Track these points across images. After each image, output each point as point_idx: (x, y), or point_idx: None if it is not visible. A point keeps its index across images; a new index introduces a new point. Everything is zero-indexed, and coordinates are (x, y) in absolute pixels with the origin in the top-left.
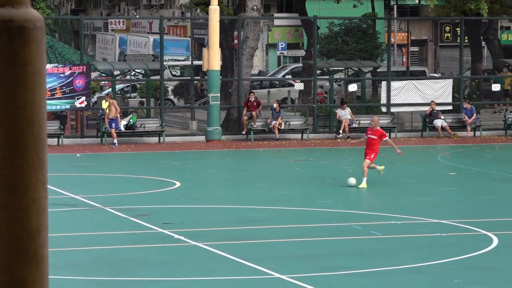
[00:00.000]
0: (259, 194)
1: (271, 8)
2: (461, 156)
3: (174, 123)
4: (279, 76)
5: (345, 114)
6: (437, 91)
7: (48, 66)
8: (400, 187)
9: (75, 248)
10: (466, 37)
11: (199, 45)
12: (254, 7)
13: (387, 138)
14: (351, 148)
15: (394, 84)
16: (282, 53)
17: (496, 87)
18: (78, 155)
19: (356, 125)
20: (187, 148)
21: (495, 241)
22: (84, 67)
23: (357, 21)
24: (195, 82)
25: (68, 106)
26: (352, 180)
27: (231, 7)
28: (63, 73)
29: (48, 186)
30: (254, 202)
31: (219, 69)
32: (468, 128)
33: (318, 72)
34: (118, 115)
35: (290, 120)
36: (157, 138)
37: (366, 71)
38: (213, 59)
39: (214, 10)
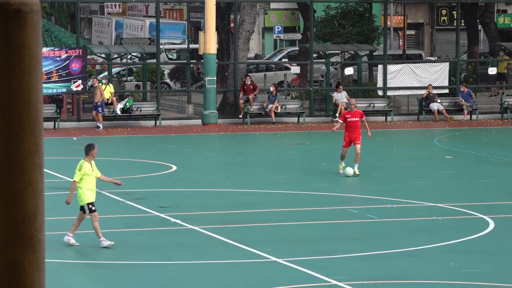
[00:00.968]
0: (255, 177)
1: None
2: (457, 140)
3: (170, 107)
4: (276, 59)
5: (341, 97)
6: (434, 74)
7: (44, 49)
8: (396, 171)
9: None
10: (462, 21)
11: (195, 29)
12: None
13: (364, 118)
14: None
15: (390, 68)
16: (278, 37)
17: (492, 71)
18: (74, 138)
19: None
20: (183, 131)
21: (491, 224)
22: (80, 50)
23: (353, 4)
24: (191, 65)
25: (64, 90)
26: (350, 170)
27: None
28: (59, 57)
29: (45, 170)
30: (250, 186)
31: (215, 52)
32: (465, 111)
33: (314, 55)
34: (114, 99)
35: (286, 104)
36: (153, 121)
37: (362, 54)
38: (209, 42)
39: None
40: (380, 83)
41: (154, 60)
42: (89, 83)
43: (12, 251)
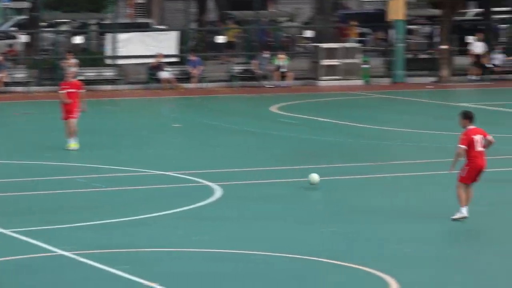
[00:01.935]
0: None
1: None
2: (186, 108)
3: None
4: (3, 28)
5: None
6: (162, 42)
7: None
8: (126, 139)
9: None
10: None
11: None
12: None
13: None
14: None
15: (119, 36)
16: (6, 5)
17: (221, 39)
18: None
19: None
20: None
21: (220, 191)
22: None
23: None
24: None
25: None
26: (315, 177)
27: None
28: None
29: None
30: None
31: None
32: (194, 79)
33: (43, 24)
34: None
35: (14, 73)
36: None
37: (92, 23)
38: None
39: None
40: (109, 52)
41: None
42: None
43: None
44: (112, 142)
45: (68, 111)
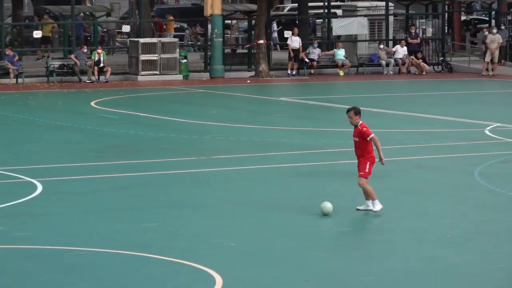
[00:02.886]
0: None
1: None
2: (4, 103)
3: None
4: None
5: None
6: None
7: None
8: None
9: None
10: None
11: None
12: None
13: None
14: None
15: None
16: None
17: (37, 34)
18: None
19: None
20: None
21: (40, 187)
22: None
23: None
24: None
25: None
26: (328, 206)
27: None
28: None
29: None
30: None
31: None
32: (11, 75)
33: None
34: None
35: None
36: None
37: None
38: None
39: None
40: None
41: None
42: None
43: None
44: None
45: None
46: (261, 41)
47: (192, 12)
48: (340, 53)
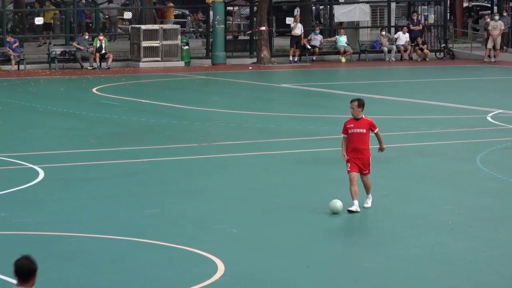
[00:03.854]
0: None
1: None
2: (5, 90)
3: None
4: None
5: None
6: None
7: None
8: None
9: None
10: None
11: None
12: None
13: None
14: None
15: None
16: None
17: (39, 21)
18: None
19: None
20: None
21: (42, 174)
22: None
23: None
24: None
25: None
26: (338, 204)
27: None
28: None
29: None
30: None
31: None
32: (13, 61)
33: None
34: None
35: None
36: None
37: None
38: None
39: None
40: None
41: None
42: None
43: None
44: None
45: None
46: (263, 28)
47: None
48: (342, 40)
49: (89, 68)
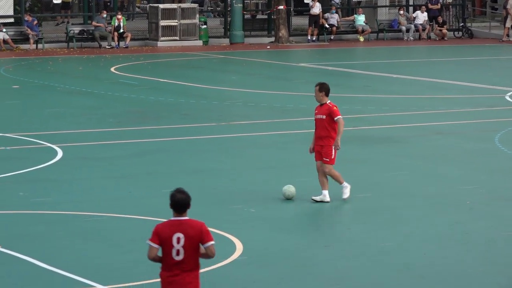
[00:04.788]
0: None
1: None
2: (24, 69)
3: None
4: None
5: None
6: None
7: None
8: None
9: None
10: None
11: None
12: None
13: None
14: None
15: None
16: None
17: (58, 0)
18: None
19: None
20: None
21: (60, 153)
22: None
23: None
24: None
25: None
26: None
27: None
28: None
29: None
30: None
31: None
32: (31, 40)
33: None
34: None
35: None
36: None
37: None
38: None
39: None
40: None
41: None
42: None
43: None
44: None
45: None
46: (281, 7)
47: None
48: (360, 19)
49: (107, 47)
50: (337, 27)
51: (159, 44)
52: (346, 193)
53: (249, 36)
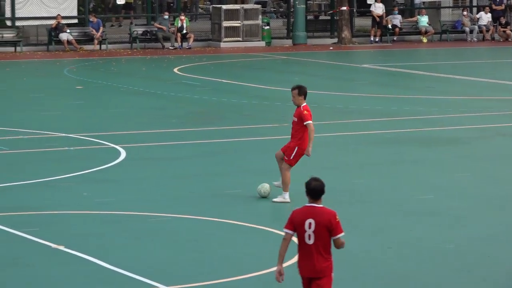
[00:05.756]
0: None
1: None
2: (87, 70)
3: None
4: None
5: None
6: (62, 4)
7: None
8: (26, 101)
9: None
10: None
11: None
12: None
13: None
14: None
15: None
16: None
17: (120, 0)
18: None
19: None
20: None
21: (123, 153)
22: None
23: None
24: None
25: None
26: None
27: None
28: None
29: None
30: None
31: None
32: (95, 41)
33: None
34: None
35: None
36: None
37: None
38: None
39: None
40: (8, 13)
41: None
42: None
43: None
44: (13, 105)
45: None
46: (344, 8)
47: None
48: (424, 20)
49: (170, 48)
50: (400, 28)
51: (222, 45)
52: (279, 198)
53: (312, 37)
